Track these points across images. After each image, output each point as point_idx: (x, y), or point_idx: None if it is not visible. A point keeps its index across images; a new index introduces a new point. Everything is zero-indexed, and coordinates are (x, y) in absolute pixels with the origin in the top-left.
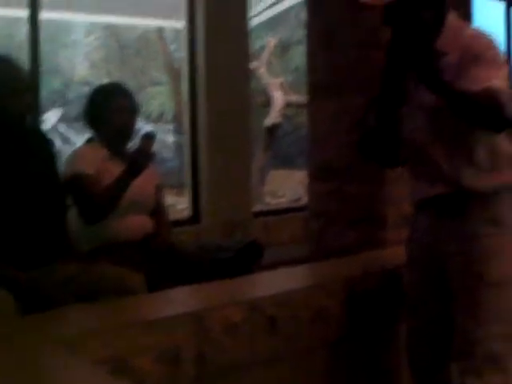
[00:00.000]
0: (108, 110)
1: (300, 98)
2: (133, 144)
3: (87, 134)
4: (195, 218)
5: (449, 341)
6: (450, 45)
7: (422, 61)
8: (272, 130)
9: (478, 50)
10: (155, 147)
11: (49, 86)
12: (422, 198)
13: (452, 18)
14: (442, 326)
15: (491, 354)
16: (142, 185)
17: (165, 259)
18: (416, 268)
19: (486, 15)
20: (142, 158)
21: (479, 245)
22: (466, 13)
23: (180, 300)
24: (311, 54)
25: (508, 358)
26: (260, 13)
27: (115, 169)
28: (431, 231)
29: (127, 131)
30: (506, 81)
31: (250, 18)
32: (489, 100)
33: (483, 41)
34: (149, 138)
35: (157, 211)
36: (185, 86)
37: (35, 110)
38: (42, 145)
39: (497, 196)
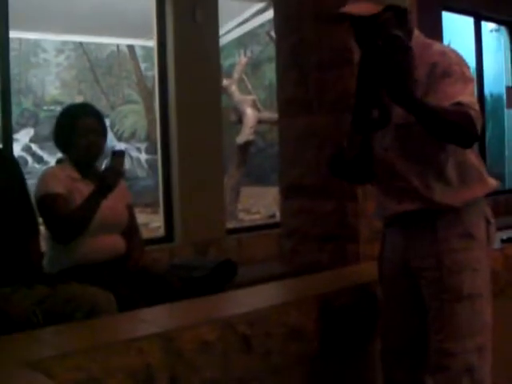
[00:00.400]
0: (75, 130)
1: (272, 114)
2: (103, 163)
3: (59, 154)
4: (169, 236)
5: (423, 356)
6: (417, 61)
7: (397, 80)
8: (245, 147)
9: (447, 65)
10: (125, 165)
11: (20, 105)
12: (391, 214)
13: (418, 34)
14: (416, 341)
15: (467, 367)
16: (113, 204)
17: (137, 279)
18: (388, 285)
19: (455, 30)
20: (112, 175)
21: (454, 259)
22: (435, 28)
23: (152, 320)
24: (281, 72)
25: (483, 369)
26: (231, 30)
27: (86, 189)
28: (402, 248)
29: (95, 151)
30: (474, 96)
31: (221, 36)
32: (459, 116)
33: (451, 56)
34: (118, 155)
35: (129, 231)
36: (156, 105)
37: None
38: (9, 167)
39: (468, 210)
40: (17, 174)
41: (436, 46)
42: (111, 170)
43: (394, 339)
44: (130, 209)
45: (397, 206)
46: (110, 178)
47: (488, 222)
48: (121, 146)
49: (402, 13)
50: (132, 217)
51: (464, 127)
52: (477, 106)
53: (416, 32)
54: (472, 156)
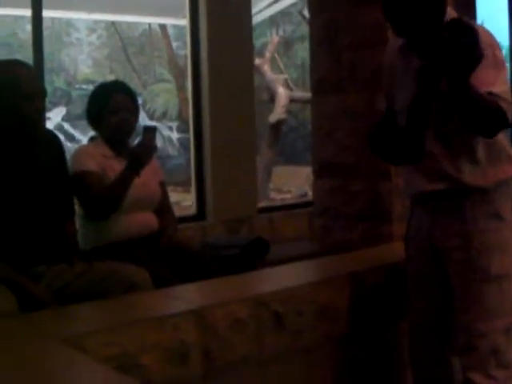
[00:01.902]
0: (107, 108)
1: (305, 93)
2: (135, 141)
3: (91, 132)
4: (200, 214)
5: (450, 337)
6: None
7: (468, 66)
8: (277, 126)
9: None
10: (157, 142)
11: (53, 84)
12: (420, 192)
13: (450, 11)
14: (442, 321)
15: (494, 349)
16: (146, 182)
17: (170, 256)
18: (414, 264)
19: (489, 8)
20: (144, 152)
21: (482, 239)
22: (468, 5)
23: (186, 297)
24: (314, 51)
25: (509, 352)
26: (263, 9)
27: (118, 166)
28: (428, 227)
29: (127, 128)
30: (506, 83)
31: (253, 15)
32: (491, 110)
33: (485, 40)
34: (149, 131)
35: (162, 208)
36: (189, 84)
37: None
38: (52, 146)
39: (497, 191)
40: (60, 154)
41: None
42: (143, 146)
43: (421, 318)
44: (163, 186)
45: (426, 184)
46: (141, 155)
47: None
48: (152, 123)
49: None
50: (165, 194)
51: (493, 122)
52: (509, 95)
53: (448, 9)
54: (502, 137)
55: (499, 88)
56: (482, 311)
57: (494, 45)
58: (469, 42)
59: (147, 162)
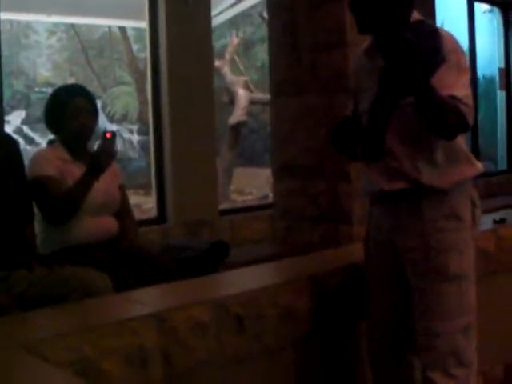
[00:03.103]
0: (66, 111)
1: (265, 95)
2: (95, 144)
3: (51, 136)
4: (161, 217)
5: (409, 336)
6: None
7: (423, 80)
8: (237, 128)
9: (444, 53)
10: (117, 146)
11: (12, 87)
12: (379, 191)
13: (415, 14)
14: (401, 321)
15: (453, 348)
16: (105, 186)
17: (131, 260)
18: (374, 264)
19: (448, 11)
20: (104, 156)
21: (440, 240)
22: (427, 8)
23: (146, 300)
24: (274, 53)
25: (468, 350)
26: (223, 11)
27: (77, 170)
28: (388, 227)
29: (87, 132)
30: (468, 88)
31: (213, 17)
32: (451, 113)
33: (447, 43)
34: (109, 136)
35: (122, 212)
36: (149, 86)
37: None
38: (9, 149)
39: (455, 192)
40: (17, 158)
41: None
42: (102, 151)
43: (380, 319)
44: (122, 189)
45: (386, 183)
46: (101, 159)
47: (474, 205)
48: (112, 127)
49: None
50: (124, 198)
51: (452, 125)
52: (470, 99)
53: (415, 15)
54: (460, 139)
55: (461, 92)
56: (440, 311)
57: (458, 50)
58: (431, 44)
59: (107, 166)
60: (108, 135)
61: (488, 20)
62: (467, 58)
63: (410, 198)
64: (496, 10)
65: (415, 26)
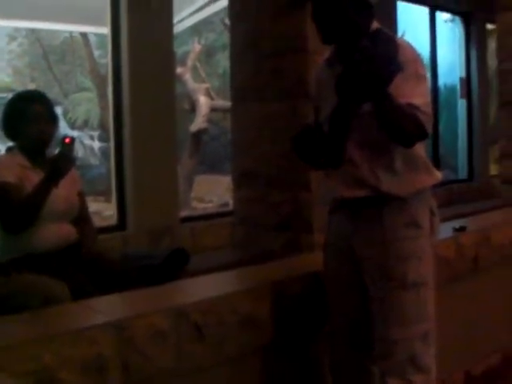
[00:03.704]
0: (24, 118)
1: (226, 103)
2: (54, 151)
3: (9, 143)
4: (122, 224)
5: (368, 343)
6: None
7: (380, 89)
8: (198, 135)
9: (402, 62)
10: (76, 151)
11: None
12: (339, 198)
13: (375, 25)
14: (361, 328)
15: (411, 355)
16: (63, 192)
17: (90, 267)
18: (333, 271)
19: (410, 20)
20: (62, 162)
21: (400, 247)
22: (389, 18)
23: (105, 309)
24: (235, 59)
25: (426, 357)
26: (185, 18)
27: (36, 177)
28: (348, 234)
29: (45, 139)
30: (426, 96)
31: (175, 24)
32: (409, 121)
33: (406, 52)
34: (68, 142)
35: (81, 218)
36: (110, 93)
37: None
38: None
39: (414, 200)
40: None
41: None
42: (61, 156)
43: (340, 325)
44: (81, 196)
45: (346, 191)
46: (60, 165)
47: (432, 213)
48: (73, 133)
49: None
50: (83, 204)
51: (410, 133)
52: (428, 108)
53: (375, 24)
54: (419, 147)
55: (419, 100)
56: (398, 318)
57: (417, 59)
58: (387, 52)
59: (66, 172)
60: (67, 140)
61: (449, 29)
62: (426, 66)
63: (370, 205)
64: (457, 19)
65: (372, 35)
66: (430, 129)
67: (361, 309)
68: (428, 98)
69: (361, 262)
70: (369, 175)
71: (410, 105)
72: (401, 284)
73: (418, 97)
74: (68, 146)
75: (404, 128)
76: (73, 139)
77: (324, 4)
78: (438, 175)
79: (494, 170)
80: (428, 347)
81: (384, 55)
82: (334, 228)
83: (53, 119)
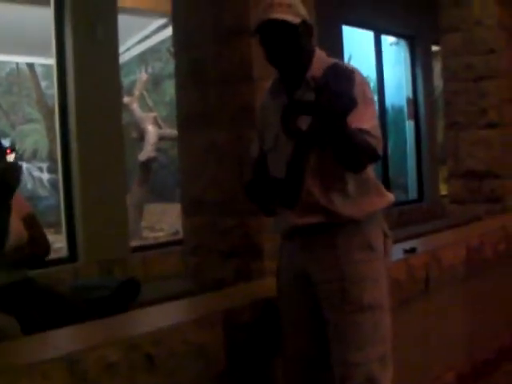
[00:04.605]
0: None
1: (174, 131)
2: None
3: None
4: (72, 256)
5: (324, 368)
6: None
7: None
8: (147, 164)
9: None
10: (25, 180)
11: None
12: (292, 227)
13: (319, 52)
14: (316, 354)
15: (369, 377)
16: (12, 225)
17: (40, 301)
18: (286, 296)
19: (356, 44)
20: (10, 174)
21: (355, 271)
22: (335, 42)
23: (55, 342)
24: (180, 87)
25: (385, 379)
26: (131, 47)
27: None
28: (301, 260)
29: None
30: (375, 118)
31: (122, 53)
32: (360, 148)
33: (355, 78)
34: (10, 152)
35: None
36: (57, 124)
37: None
38: None
39: (368, 223)
40: None
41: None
42: (7, 169)
43: (295, 352)
44: (31, 218)
45: (299, 219)
46: (8, 179)
47: (385, 235)
48: (22, 165)
49: (310, 28)
50: (35, 226)
51: (362, 159)
52: (377, 131)
53: (317, 51)
54: (369, 170)
55: (368, 124)
56: (355, 341)
57: (364, 82)
58: (346, 90)
59: (18, 183)
60: (8, 151)
61: (395, 52)
62: (373, 89)
63: (324, 231)
64: (402, 42)
65: (332, 69)
66: (380, 151)
67: (316, 334)
68: (376, 121)
69: (316, 286)
70: (323, 200)
71: (361, 130)
72: (356, 307)
73: (367, 121)
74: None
75: (358, 157)
76: (13, 149)
77: (276, 29)
78: (390, 197)
79: (444, 189)
80: (386, 370)
81: (342, 94)
82: (286, 254)
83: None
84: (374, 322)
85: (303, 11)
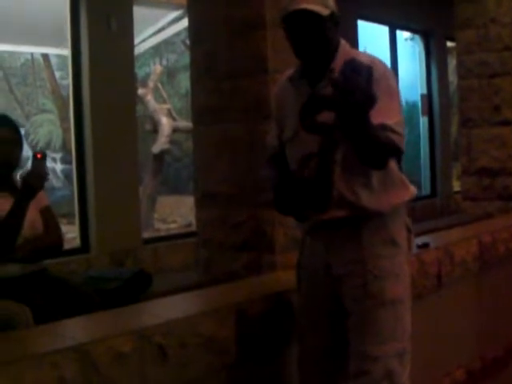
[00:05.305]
0: None
1: (188, 123)
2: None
3: None
4: (85, 247)
5: (342, 362)
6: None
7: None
8: (160, 156)
9: (375, 79)
10: (47, 167)
11: None
12: (316, 221)
13: (344, 43)
14: (334, 346)
15: (388, 372)
16: (29, 216)
17: (52, 291)
18: (306, 290)
19: (371, 39)
20: (34, 179)
21: (377, 265)
22: (350, 37)
23: (67, 333)
24: (194, 80)
25: (403, 374)
26: (146, 39)
27: (3, 201)
28: (323, 254)
29: (11, 162)
30: (399, 113)
31: (136, 45)
32: (384, 144)
33: (378, 69)
34: (39, 157)
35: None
36: (71, 114)
37: None
38: None
39: (392, 216)
40: None
41: (363, 56)
42: (32, 173)
43: (312, 345)
44: (48, 211)
45: (324, 213)
46: (32, 182)
47: (409, 230)
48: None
49: (338, 21)
50: (50, 218)
51: (384, 157)
52: (401, 127)
53: (342, 43)
54: (393, 163)
55: (392, 119)
56: (375, 335)
57: (388, 75)
58: (365, 87)
59: (40, 188)
60: (38, 155)
61: (410, 47)
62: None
63: (348, 225)
64: (417, 37)
65: (348, 64)
66: (403, 148)
67: (335, 328)
68: (400, 116)
69: (338, 279)
70: (347, 193)
71: (383, 125)
72: (379, 301)
73: (391, 116)
74: (39, 161)
75: (379, 156)
76: (44, 154)
77: (305, 20)
78: (414, 190)
79: (457, 186)
80: (404, 366)
81: (354, 88)
82: (308, 247)
83: (19, 142)
84: (395, 317)
85: (332, 2)
